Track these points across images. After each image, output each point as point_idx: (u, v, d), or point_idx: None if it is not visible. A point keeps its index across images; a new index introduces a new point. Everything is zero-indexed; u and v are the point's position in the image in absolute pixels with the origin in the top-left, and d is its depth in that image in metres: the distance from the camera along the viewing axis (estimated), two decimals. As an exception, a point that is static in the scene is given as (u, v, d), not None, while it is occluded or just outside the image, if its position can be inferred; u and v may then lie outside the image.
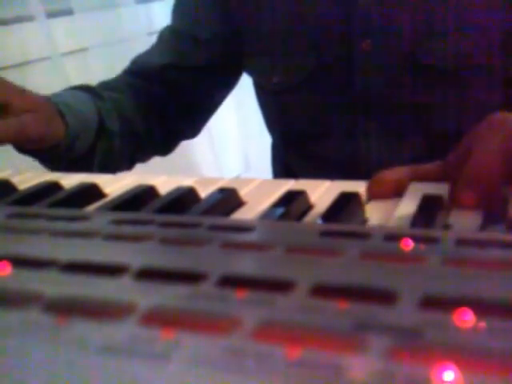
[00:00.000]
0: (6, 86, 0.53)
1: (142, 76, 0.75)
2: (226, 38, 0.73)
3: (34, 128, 0.53)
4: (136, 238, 0.27)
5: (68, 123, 0.59)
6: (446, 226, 0.30)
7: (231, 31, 0.72)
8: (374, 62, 0.63)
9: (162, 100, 0.75)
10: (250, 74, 0.77)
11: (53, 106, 0.58)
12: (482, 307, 0.18)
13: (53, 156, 0.60)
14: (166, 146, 0.81)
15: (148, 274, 0.22)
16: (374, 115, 0.66)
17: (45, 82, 1.11)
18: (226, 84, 0.80)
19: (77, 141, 0.61)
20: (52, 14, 1.14)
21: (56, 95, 0.64)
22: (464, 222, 0.31)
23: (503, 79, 0.62)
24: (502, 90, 0.62)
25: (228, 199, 0.36)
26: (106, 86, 0.74)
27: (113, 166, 0.70)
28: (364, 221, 0.33)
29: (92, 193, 0.40)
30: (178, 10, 0.77)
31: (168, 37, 0.77)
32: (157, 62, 0.75)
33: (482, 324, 0.17)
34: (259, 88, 0.77)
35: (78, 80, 1.16)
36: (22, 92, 0.55)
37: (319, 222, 0.31)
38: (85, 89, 0.69)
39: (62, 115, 0.58)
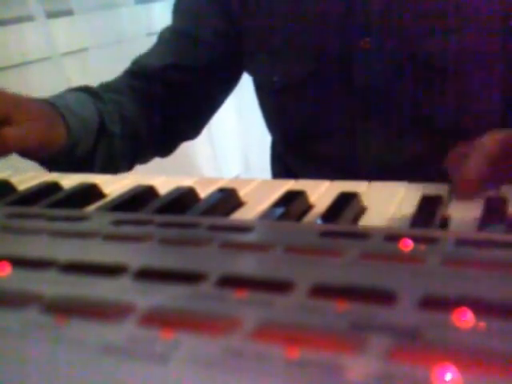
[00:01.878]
0: (3, 96, 0.53)
1: (142, 77, 0.75)
2: (226, 37, 0.73)
3: (35, 137, 0.53)
4: (135, 239, 0.27)
5: (70, 127, 0.59)
6: (445, 218, 0.31)
7: (231, 30, 0.72)
8: (374, 60, 0.63)
9: (163, 101, 0.75)
10: (251, 73, 0.77)
11: (54, 110, 0.58)
12: (481, 307, 0.18)
13: (53, 159, 0.60)
14: (166, 147, 0.81)
15: (147, 274, 0.22)
16: (373, 114, 0.66)
17: (44, 82, 1.11)
18: (227, 84, 0.80)
19: (78, 144, 0.61)
20: (52, 14, 1.14)
21: (57, 97, 0.64)
22: (463, 213, 0.31)
23: (503, 78, 0.62)
24: (502, 88, 0.62)
25: (228, 199, 0.36)
26: (106, 87, 0.74)
27: (113, 167, 0.70)
28: (356, 219, 0.33)
29: (92, 193, 0.40)
30: (178, 10, 0.78)
31: (168, 37, 0.77)
32: (157, 63, 0.75)
33: (482, 324, 0.17)
34: (259, 87, 0.77)
35: (77, 80, 1.16)
36: (21, 101, 0.54)
37: (319, 222, 0.31)
38: (85, 90, 0.69)
39: (63, 118, 0.58)
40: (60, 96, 0.65)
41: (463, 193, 0.34)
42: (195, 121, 0.81)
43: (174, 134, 0.79)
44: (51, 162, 0.62)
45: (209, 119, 0.82)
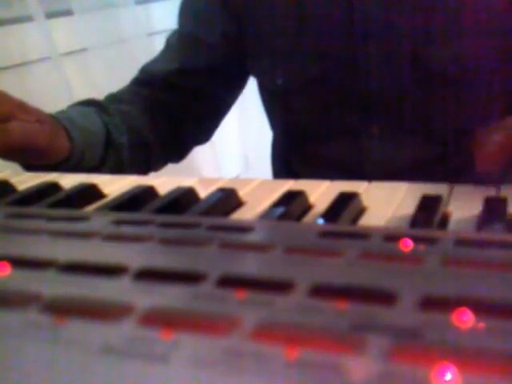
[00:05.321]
0: (8, 99, 0.53)
1: (149, 84, 0.75)
2: (230, 39, 0.73)
3: (42, 138, 0.53)
4: (135, 239, 0.27)
5: (73, 139, 0.58)
6: (445, 217, 0.31)
7: (235, 32, 0.72)
8: (376, 64, 0.63)
9: (170, 106, 0.75)
10: (254, 74, 0.77)
11: (57, 121, 0.58)
12: (481, 307, 0.18)
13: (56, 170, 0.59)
14: (178, 153, 0.81)
15: (147, 275, 0.22)
16: (375, 117, 0.66)
17: (44, 82, 1.11)
18: (234, 86, 0.80)
19: (84, 156, 0.60)
20: (51, 15, 1.14)
21: (59, 112, 0.63)
22: (462, 212, 0.31)
23: (503, 84, 0.62)
24: (502, 92, 0.62)
25: (227, 199, 0.36)
26: (112, 98, 0.73)
27: None
28: (356, 219, 0.33)
29: (91, 193, 0.40)
30: (182, 13, 0.77)
31: (174, 42, 0.76)
32: (164, 69, 0.75)
33: (482, 324, 0.17)
34: (263, 88, 0.77)
35: (77, 80, 1.17)
36: (26, 104, 0.54)
37: (319, 221, 0.31)
38: (89, 103, 0.68)
39: (66, 131, 0.58)
40: (62, 111, 0.64)
41: (484, 164, 0.35)
42: (204, 125, 0.81)
43: (183, 140, 0.79)
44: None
45: (219, 122, 0.82)
